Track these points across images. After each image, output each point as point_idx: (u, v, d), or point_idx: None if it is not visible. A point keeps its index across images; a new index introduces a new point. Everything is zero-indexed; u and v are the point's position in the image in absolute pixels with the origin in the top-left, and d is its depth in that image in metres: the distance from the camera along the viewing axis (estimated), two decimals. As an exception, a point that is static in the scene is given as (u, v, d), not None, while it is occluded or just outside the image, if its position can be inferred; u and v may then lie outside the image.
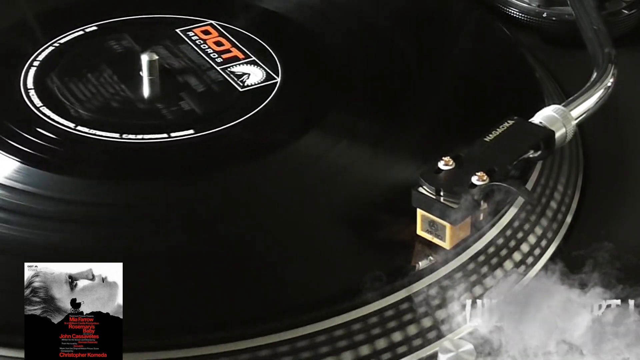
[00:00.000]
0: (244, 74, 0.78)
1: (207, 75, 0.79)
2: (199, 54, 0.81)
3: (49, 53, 0.82)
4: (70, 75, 0.79)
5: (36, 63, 0.80)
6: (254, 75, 0.78)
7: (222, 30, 0.84)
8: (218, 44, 0.83)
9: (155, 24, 0.86)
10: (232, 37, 0.84)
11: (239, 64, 0.80)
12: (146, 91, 0.78)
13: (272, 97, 0.76)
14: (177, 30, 0.84)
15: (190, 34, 0.84)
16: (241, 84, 0.77)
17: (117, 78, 0.79)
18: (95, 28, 0.85)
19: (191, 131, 0.73)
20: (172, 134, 0.72)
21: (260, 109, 0.75)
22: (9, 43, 0.84)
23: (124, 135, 0.72)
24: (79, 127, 0.73)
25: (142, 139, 0.72)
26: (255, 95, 0.77)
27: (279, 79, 0.78)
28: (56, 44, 0.83)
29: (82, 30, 0.85)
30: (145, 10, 0.87)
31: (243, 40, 0.83)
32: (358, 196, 0.68)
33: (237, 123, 0.74)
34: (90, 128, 0.73)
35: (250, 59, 0.80)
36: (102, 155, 0.71)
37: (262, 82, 0.78)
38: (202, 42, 0.83)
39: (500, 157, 0.64)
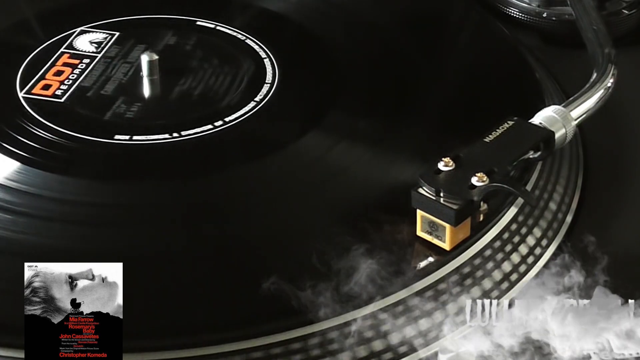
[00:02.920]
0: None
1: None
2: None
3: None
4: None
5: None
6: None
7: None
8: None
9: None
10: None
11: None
12: (146, 91, 0.78)
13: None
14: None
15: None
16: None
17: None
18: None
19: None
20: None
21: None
22: (8, 43, 0.84)
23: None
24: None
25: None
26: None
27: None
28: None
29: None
30: (145, 10, 0.87)
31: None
32: (358, 196, 0.68)
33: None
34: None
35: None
36: (101, 156, 0.71)
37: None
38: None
39: (500, 158, 0.64)
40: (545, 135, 0.67)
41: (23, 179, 0.68)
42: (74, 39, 0.83)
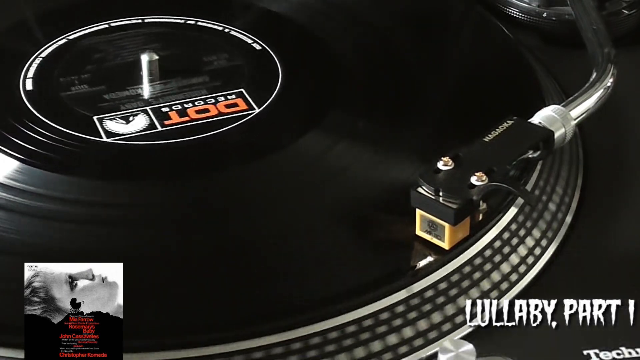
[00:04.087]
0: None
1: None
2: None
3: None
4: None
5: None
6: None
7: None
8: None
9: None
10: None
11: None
12: (146, 91, 0.78)
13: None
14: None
15: None
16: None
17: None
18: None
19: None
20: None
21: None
22: (8, 43, 0.84)
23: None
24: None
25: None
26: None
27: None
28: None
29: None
30: (145, 11, 0.87)
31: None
32: (358, 196, 0.68)
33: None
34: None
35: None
36: (102, 155, 0.72)
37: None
38: None
39: (499, 157, 0.64)
40: (544, 134, 0.67)
41: (23, 179, 0.68)
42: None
